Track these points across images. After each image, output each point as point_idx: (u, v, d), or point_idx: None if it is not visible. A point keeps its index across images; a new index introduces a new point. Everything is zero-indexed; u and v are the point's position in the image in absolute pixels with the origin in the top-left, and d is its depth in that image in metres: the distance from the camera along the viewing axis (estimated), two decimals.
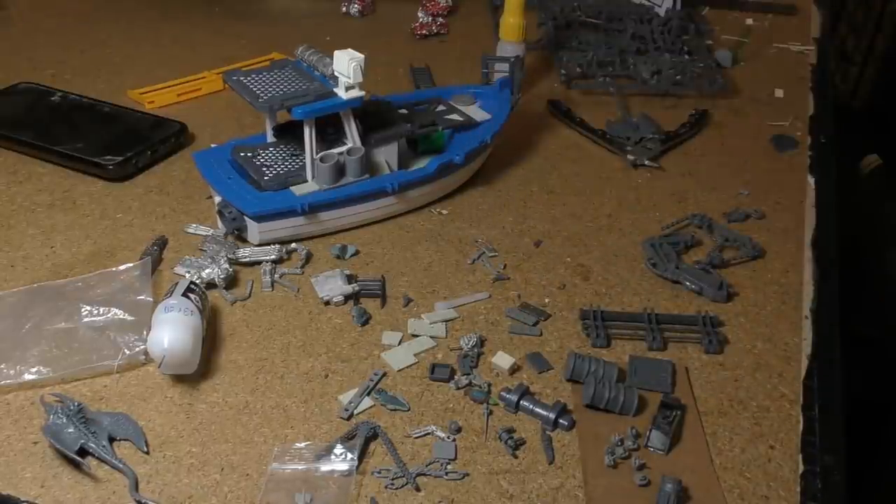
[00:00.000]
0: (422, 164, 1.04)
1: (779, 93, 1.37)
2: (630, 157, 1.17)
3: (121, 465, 0.72)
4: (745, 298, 0.94)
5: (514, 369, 0.83)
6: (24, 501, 0.70)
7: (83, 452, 0.73)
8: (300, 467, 0.72)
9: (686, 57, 1.40)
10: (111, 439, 0.75)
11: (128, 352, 0.82)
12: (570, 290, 0.94)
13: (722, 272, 0.97)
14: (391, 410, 0.78)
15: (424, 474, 0.72)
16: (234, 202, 0.96)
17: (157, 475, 0.72)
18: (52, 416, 0.75)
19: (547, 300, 0.92)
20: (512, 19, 1.25)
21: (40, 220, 1.03)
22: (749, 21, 1.62)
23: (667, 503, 0.69)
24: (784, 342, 0.89)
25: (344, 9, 1.59)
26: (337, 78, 0.96)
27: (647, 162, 1.17)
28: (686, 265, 0.97)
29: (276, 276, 0.94)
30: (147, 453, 0.74)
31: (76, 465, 0.72)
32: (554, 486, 0.72)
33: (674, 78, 1.34)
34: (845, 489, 0.74)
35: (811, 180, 1.15)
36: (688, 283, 0.95)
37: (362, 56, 0.95)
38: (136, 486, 0.71)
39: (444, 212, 1.06)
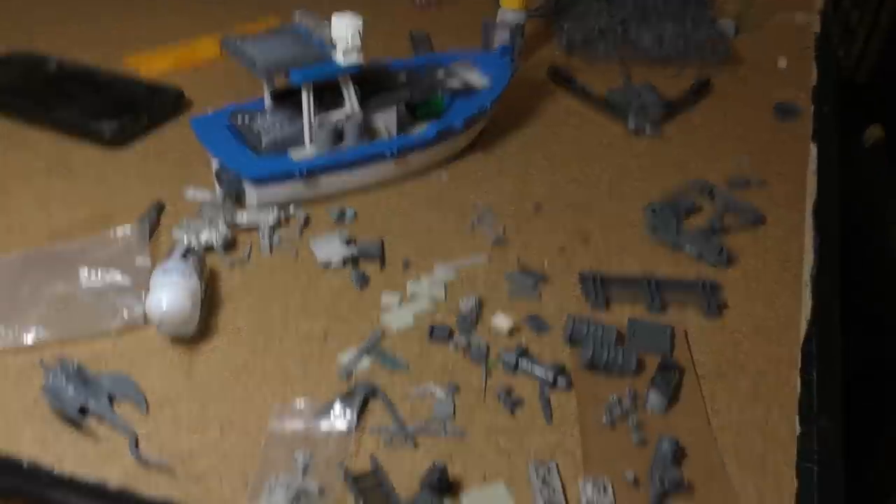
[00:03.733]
0: (421, 128, 1.04)
1: (782, 62, 1.36)
2: (631, 123, 1.16)
3: (121, 424, 0.72)
4: (746, 264, 0.94)
5: (513, 331, 0.83)
6: (25, 461, 0.70)
7: (83, 412, 0.73)
8: (299, 426, 0.72)
9: (689, 25, 1.39)
10: (111, 399, 0.75)
11: (126, 315, 0.82)
12: (570, 254, 0.94)
13: (722, 238, 0.97)
14: (390, 370, 0.78)
15: (423, 432, 0.72)
16: (232, 166, 0.96)
17: (157, 434, 0.72)
18: (51, 377, 0.75)
19: (546, 263, 0.92)
20: None
21: (37, 186, 1.02)
22: None
23: (663, 462, 0.70)
24: (783, 307, 0.88)
25: None
26: (335, 43, 0.95)
27: (648, 129, 1.16)
28: (686, 231, 0.97)
29: (274, 239, 0.94)
30: (147, 413, 0.74)
31: (76, 425, 0.73)
32: (552, 444, 0.72)
33: (676, 46, 1.33)
34: (842, 452, 0.74)
35: (813, 149, 1.14)
36: (688, 249, 0.94)
37: (360, 20, 0.94)
38: (136, 444, 0.71)
39: (444, 177, 1.06)
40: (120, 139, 1.09)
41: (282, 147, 0.98)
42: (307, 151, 0.98)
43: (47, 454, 0.71)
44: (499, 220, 0.98)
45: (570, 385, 0.77)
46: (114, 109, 1.12)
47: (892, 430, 1.18)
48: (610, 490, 0.68)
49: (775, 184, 1.07)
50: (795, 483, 0.70)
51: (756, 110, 1.24)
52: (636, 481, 0.69)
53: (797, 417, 0.76)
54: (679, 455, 0.71)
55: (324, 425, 0.72)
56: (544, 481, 0.68)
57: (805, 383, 0.80)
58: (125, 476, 0.69)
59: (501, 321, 0.83)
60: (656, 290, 0.88)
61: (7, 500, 0.69)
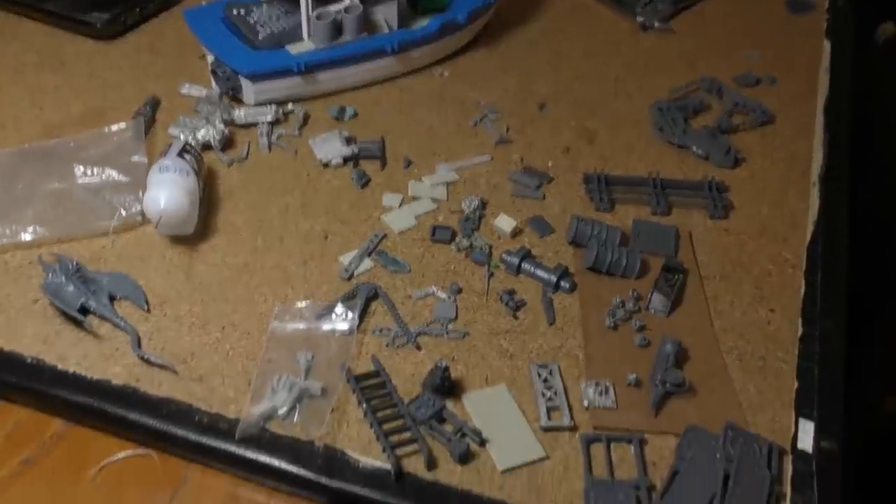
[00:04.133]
0: (423, 23, 1.00)
1: None
2: (640, 18, 1.13)
3: (122, 323, 0.72)
4: (753, 164, 0.92)
5: (516, 232, 0.82)
6: (28, 357, 0.70)
7: (84, 311, 0.73)
8: (301, 326, 0.72)
9: None
10: (111, 298, 0.74)
11: (124, 212, 0.81)
12: (575, 154, 0.92)
13: (730, 137, 0.95)
14: (392, 272, 0.78)
15: (425, 333, 0.72)
16: (227, 61, 0.93)
17: (158, 333, 0.72)
18: (50, 275, 0.75)
19: (550, 163, 0.91)
20: None
21: (28, 79, 1.00)
22: None
23: (666, 363, 0.70)
24: (790, 208, 0.87)
25: None
26: None
27: (657, 24, 1.12)
28: (693, 130, 0.95)
29: (273, 137, 0.92)
30: (148, 312, 0.74)
31: (77, 323, 0.72)
32: (554, 346, 0.72)
33: None
34: (844, 351, 0.74)
35: (827, 45, 1.11)
36: (694, 148, 0.93)
37: None
38: (138, 343, 0.71)
39: (446, 73, 1.03)
40: (112, 31, 1.06)
41: (279, 41, 0.95)
42: (305, 46, 0.95)
43: (50, 352, 0.71)
44: (502, 118, 0.96)
45: (573, 287, 0.77)
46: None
47: (892, 326, 1.19)
48: (612, 391, 0.68)
49: (786, 81, 1.05)
50: (796, 384, 0.71)
51: (768, 4, 1.19)
52: (638, 383, 0.69)
53: (800, 319, 0.76)
54: (681, 357, 0.71)
55: (326, 326, 0.71)
56: (546, 383, 0.69)
57: (809, 285, 0.79)
58: (128, 375, 0.69)
59: (504, 222, 0.82)
60: (661, 192, 0.87)
61: (11, 397, 0.69)
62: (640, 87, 1.02)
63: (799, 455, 0.66)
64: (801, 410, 0.69)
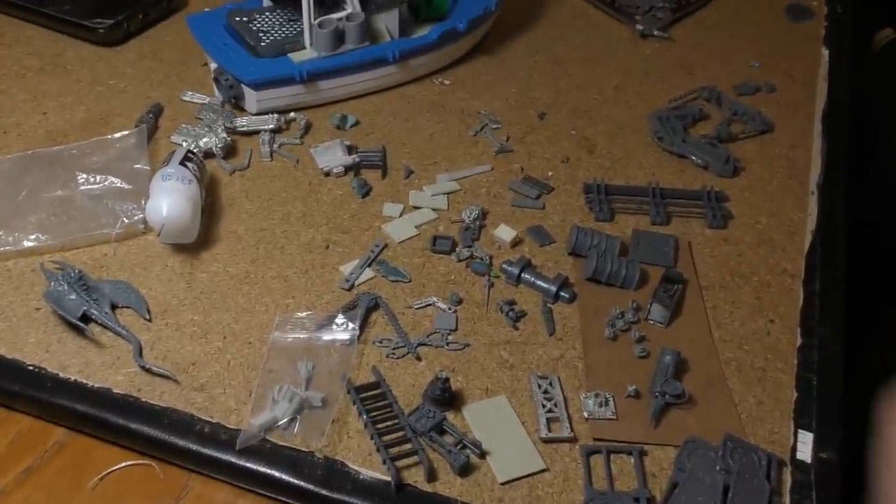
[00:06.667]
0: (424, 31, 1.00)
1: None
2: (639, 26, 1.13)
3: (124, 332, 0.72)
4: (752, 173, 0.93)
5: (516, 242, 0.83)
6: (29, 365, 0.70)
7: (86, 319, 0.73)
8: (302, 336, 0.72)
9: None
10: (113, 306, 0.75)
11: (126, 220, 0.81)
12: (574, 164, 0.92)
13: (729, 146, 0.95)
14: (392, 282, 0.78)
15: (425, 344, 0.73)
16: (230, 69, 0.93)
17: (160, 342, 0.72)
18: (52, 283, 0.75)
19: (550, 173, 0.91)
20: None
21: (31, 85, 1.00)
22: None
23: (665, 374, 0.70)
24: (789, 217, 0.88)
25: None
26: None
27: (656, 32, 1.13)
28: (693, 139, 0.95)
29: (274, 145, 0.92)
30: (149, 321, 0.74)
31: (79, 331, 0.73)
32: (554, 357, 0.73)
33: None
34: (842, 362, 0.74)
35: (825, 52, 1.11)
36: (694, 158, 0.93)
37: None
38: (139, 352, 0.71)
39: (447, 82, 1.03)
40: (115, 37, 1.06)
41: (281, 49, 0.95)
42: (307, 54, 0.95)
43: (52, 360, 0.71)
44: (502, 127, 0.96)
45: (573, 298, 0.77)
46: (107, 5, 1.08)
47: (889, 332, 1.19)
48: (612, 402, 0.69)
49: (785, 88, 1.05)
50: (795, 394, 0.71)
51: (768, 11, 1.20)
52: (637, 394, 0.69)
53: (799, 329, 0.77)
54: (680, 367, 0.72)
55: (326, 336, 0.72)
56: (546, 394, 0.69)
57: (808, 294, 0.80)
58: (129, 384, 0.69)
59: (504, 232, 0.82)
60: (661, 201, 0.87)
61: (13, 405, 0.70)
62: (640, 95, 1.03)
63: (798, 466, 0.66)
64: (800, 421, 0.69)
